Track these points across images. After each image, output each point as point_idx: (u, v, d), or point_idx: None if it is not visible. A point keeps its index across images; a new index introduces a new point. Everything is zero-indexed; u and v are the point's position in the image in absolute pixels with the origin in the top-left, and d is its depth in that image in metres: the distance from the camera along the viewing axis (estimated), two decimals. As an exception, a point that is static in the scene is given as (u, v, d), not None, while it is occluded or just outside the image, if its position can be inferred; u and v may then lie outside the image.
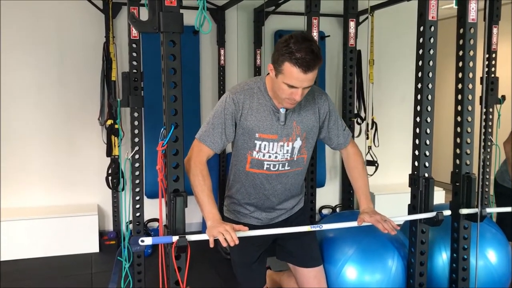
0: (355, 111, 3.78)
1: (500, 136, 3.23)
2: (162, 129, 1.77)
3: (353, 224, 2.02)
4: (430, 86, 2.08)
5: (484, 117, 3.44)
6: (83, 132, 4.60)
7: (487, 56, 3.44)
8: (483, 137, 3.36)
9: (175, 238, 1.71)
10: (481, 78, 3.08)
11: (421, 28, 2.06)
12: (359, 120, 4.24)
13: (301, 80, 1.74)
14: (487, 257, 2.30)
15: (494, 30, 3.51)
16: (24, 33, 4.32)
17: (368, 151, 4.22)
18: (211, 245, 1.73)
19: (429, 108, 2.09)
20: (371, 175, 3.65)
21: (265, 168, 1.97)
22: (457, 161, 2.20)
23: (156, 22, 1.70)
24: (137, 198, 2.80)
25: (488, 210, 2.14)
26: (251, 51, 5.01)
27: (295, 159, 1.99)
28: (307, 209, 2.26)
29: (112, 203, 4.70)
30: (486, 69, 3.44)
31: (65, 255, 4.27)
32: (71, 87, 4.54)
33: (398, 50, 5.24)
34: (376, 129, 4.26)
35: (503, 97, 3.58)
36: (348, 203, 5.25)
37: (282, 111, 1.91)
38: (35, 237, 4.20)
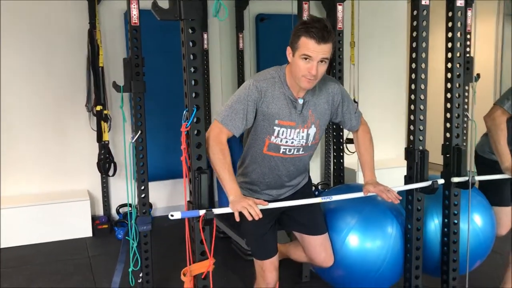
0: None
1: (477, 111, 3.45)
2: (185, 111, 1.88)
3: (360, 194, 2.19)
4: (423, 66, 2.26)
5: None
6: (71, 119, 4.63)
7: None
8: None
9: (201, 212, 1.84)
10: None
11: (415, 12, 2.23)
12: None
13: (316, 51, 1.90)
14: (474, 221, 2.52)
15: (469, 12, 3.72)
16: (8, 21, 4.30)
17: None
18: (237, 219, 1.87)
19: (422, 86, 2.28)
20: (353, 152, 3.83)
21: (281, 152, 2.12)
22: (448, 135, 2.39)
23: (177, 10, 1.80)
24: (142, 180, 2.90)
25: (477, 178, 2.35)
26: (233, 35, 5.11)
27: (309, 145, 2.16)
28: (310, 184, 2.41)
29: (101, 188, 4.77)
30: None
31: (60, 240, 4.34)
32: (56, 74, 4.55)
33: (376, 31, 5.44)
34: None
35: (478, 75, 3.81)
36: (329, 179, 5.47)
37: (300, 101, 2.06)
38: (29, 224, 4.25)
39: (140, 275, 2.97)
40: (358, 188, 2.29)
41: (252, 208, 1.85)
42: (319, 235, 2.33)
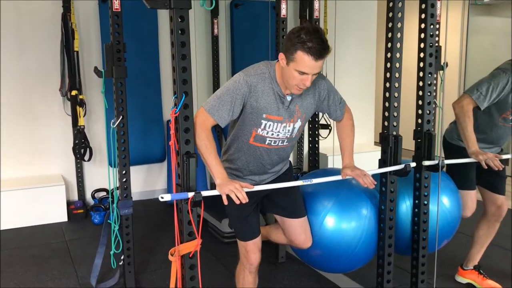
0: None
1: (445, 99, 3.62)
2: (174, 97, 1.94)
3: (338, 177, 2.31)
4: (398, 55, 2.38)
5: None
6: (44, 104, 4.61)
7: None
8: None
9: (190, 194, 1.92)
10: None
11: (391, 4, 2.34)
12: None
13: (312, 67, 1.96)
14: (442, 202, 2.68)
15: (438, 3, 3.86)
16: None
17: (322, 115, 4.54)
18: (225, 202, 1.95)
19: (397, 75, 2.40)
20: (325, 137, 3.96)
21: (266, 143, 2.22)
22: (419, 121, 2.53)
23: (166, -1, 1.85)
24: (124, 164, 2.94)
25: (446, 161, 2.51)
26: (208, 21, 5.15)
27: (293, 136, 2.26)
28: (291, 169, 2.52)
29: (76, 173, 4.76)
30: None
31: (35, 225, 4.34)
32: (30, 59, 4.50)
33: (348, 19, 5.56)
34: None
35: (446, 63, 3.98)
36: (301, 164, 5.60)
37: (289, 98, 2.14)
38: (3, 209, 4.23)
39: (122, 257, 3.03)
40: (336, 172, 2.41)
41: (239, 192, 1.93)
42: (299, 218, 2.44)
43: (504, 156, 2.68)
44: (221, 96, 2.07)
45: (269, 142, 2.22)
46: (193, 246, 2.00)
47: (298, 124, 2.23)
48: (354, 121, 2.43)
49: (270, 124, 2.16)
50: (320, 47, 1.93)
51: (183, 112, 1.93)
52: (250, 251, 2.33)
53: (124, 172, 2.96)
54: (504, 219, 3.02)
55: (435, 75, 3.95)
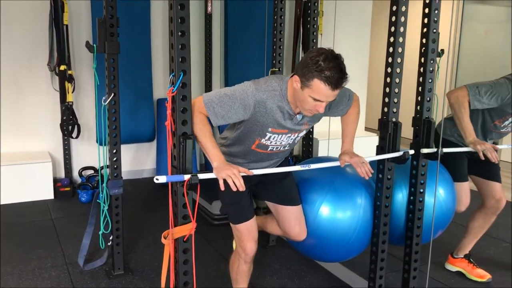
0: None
1: (438, 86, 3.59)
2: (171, 76, 1.87)
3: (336, 163, 2.27)
4: (401, 39, 2.32)
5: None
6: (31, 79, 4.49)
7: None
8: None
9: (186, 176, 1.86)
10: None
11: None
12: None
13: (328, 96, 1.90)
14: (438, 193, 2.65)
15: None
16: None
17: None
18: (222, 187, 1.89)
19: (399, 60, 2.34)
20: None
21: (269, 150, 2.18)
22: (419, 108, 2.49)
23: (166, -27, 1.76)
24: (114, 143, 2.87)
25: (445, 149, 2.48)
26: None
27: (295, 141, 2.24)
28: (288, 157, 2.47)
29: (63, 150, 4.67)
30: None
31: (21, 202, 4.26)
32: (16, 32, 4.36)
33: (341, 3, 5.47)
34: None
35: (442, 50, 3.94)
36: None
37: (299, 117, 2.09)
38: (-13, 185, 4.13)
39: (111, 238, 2.97)
40: (332, 159, 2.37)
41: (237, 178, 1.87)
42: (293, 206, 2.39)
43: (501, 147, 2.65)
44: (224, 96, 1.99)
45: (272, 148, 2.19)
46: (188, 229, 1.95)
47: (303, 133, 2.21)
48: (360, 108, 2.38)
49: (275, 136, 2.12)
50: (338, 77, 1.86)
51: (181, 91, 1.86)
52: (245, 240, 2.28)
53: (114, 151, 2.89)
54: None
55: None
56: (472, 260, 3.11)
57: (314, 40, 3.42)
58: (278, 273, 3.12)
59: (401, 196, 2.63)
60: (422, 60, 2.45)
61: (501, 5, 6.51)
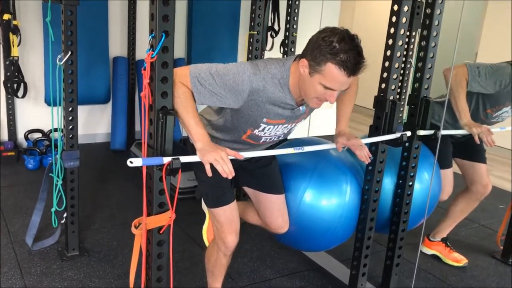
0: (269, 24, 3.63)
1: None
2: (150, 37, 1.54)
3: (332, 146, 2.03)
4: (406, 8, 2.08)
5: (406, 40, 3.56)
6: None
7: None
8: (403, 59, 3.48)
9: (166, 160, 1.57)
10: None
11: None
12: (273, 34, 4.07)
13: (342, 83, 1.61)
14: (424, 178, 2.48)
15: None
16: None
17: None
18: (209, 173, 1.60)
19: (402, 31, 2.10)
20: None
21: (261, 141, 1.91)
22: (416, 85, 2.28)
23: None
24: (70, 109, 2.50)
25: (443, 132, 2.29)
26: None
27: (290, 131, 1.96)
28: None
29: (6, 110, 4.19)
30: None
31: (-43, 168, 3.79)
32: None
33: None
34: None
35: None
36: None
37: (302, 109, 1.80)
38: None
39: (65, 215, 2.64)
40: (318, 142, 2.15)
41: (225, 164, 1.59)
42: (276, 194, 2.14)
43: (495, 130, 2.50)
44: (215, 74, 1.67)
45: (265, 140, 1.91)
46: (165, 219, 1.67)
47: (300, 123, 1.92)
48: (357, 88, 2.12)
49: (270, 127, 1.82)
50: (355, 61, 1.57)
51: (162, 56, 1.54)
52: (226, 232, 2.01)
53: (70, 117, 2.52)
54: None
55: (414, 33, 3.73)
56: (449, 244, 3.01)
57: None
58: (249, 254, 2.90)
59: (387, 181, 2.44)
60: (425, 33, 2.22)
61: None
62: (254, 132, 1.84)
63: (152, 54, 1.53)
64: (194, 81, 1.66)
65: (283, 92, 1.73)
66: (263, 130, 1.84)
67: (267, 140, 1.93)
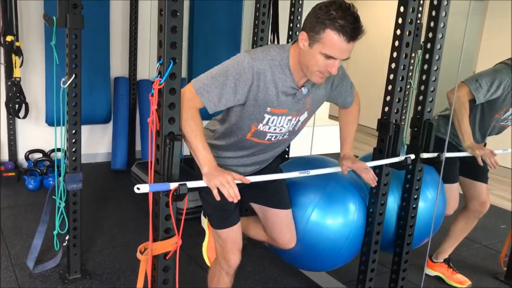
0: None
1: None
2: (158, 64, 1.56)
3: (338, 169, 2.04)
4: (408, 33, 2.10)
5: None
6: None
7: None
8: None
9: (173, 185, 1.57)
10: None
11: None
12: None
13: (342, 50, 1.61)
14: (428, 197, 2.48)
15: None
16: None
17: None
18: (217, 198, 1.61)
19: (405, 56, 2.12)
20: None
21: (266, 139, 1.88)
22: (419, 108, 2.29)
23: None
24: (74, 131, 2.50)
25: (447, 154, 2.29)
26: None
27: (295, 129, 1.93)
28: (279, 158, 2.18)
29: (8, 130, 4.19)
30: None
31: (-43, 189, 3.78)
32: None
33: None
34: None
35: (424, 42, 3.78)
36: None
37: (304, 91, 1.78)
38: None
39: (67, 238, 2.62)
40: (323, 161, 2.14)
41: (231, 188, 1.60)
42: (284, 209, 2.14)
43: (498, 151, 2.51)
44: (217, 76, 1.69)
45: (270, 137, 1.88)
46: (171, 245, 1.67)
47: (303, 116, 1.89)
48: (359, 107, 2.14)
49: (274, 119, 1.81)
50: (354, 26, 1.58)
51: (169, 83, 1.56)
52: (230, 252, 2.01)
53: (74, 140, 2.52)
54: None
55: (413, 54, 3.76)
56: (451, 265, 3.00)
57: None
58: (251, 277, 2.89)
59: (391, 201, 2.44)
60: (427, 56, 2.24)
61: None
62: (259, 127, 1.82)
63: (160, 80, 1.54)
64: (201, 91, 1.68)
65: (283, 74, 1.74)
66: (267, 123, 1.81)
67: (272, 139, 1.89)
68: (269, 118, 1.80)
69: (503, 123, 2.69)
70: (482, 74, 2.52)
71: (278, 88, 1.74)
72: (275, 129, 1.85)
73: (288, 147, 3.01)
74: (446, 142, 2.29)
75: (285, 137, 1.93)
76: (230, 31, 4.99)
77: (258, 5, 2.95)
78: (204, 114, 1.72)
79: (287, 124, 1.86)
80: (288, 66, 1.74)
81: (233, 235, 2.01)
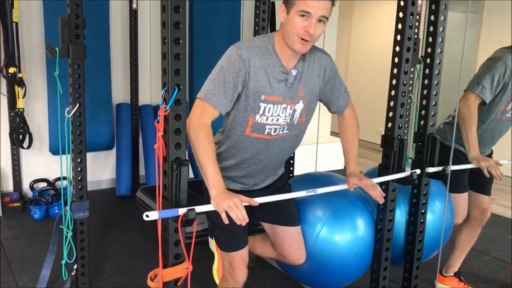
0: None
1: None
2: (163, 91, 1.58)
3: (344, 187, 2.04)
4: (408, 48, 2.13)
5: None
6: (-26, 81, 3.99)
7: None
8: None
9: (181, 211, 1.57)
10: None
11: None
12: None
13: (316, 7, 1.67)
14: (435, 210, 2.48)
15: (419, -8, 3.66)
16: None
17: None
18: (226, 221, 1.62)
19: (406, 70, 2.14)
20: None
21: (266, 133, 1.88)
22: (422, 122, 2.31)
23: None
24: (79, 160, 2.52)
25: (453, 167, 2.30)
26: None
27: (294, 122, 1.92)
28: (287, 174, 2.20)
29: (12, 161, 4.20)
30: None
31: (-37, 221, 3.77)
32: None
33: None
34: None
35: (423, 57, 3.81)
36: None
37: (294, 72, 1.82)
38: None
39: (75, 267, 2.61)
40: (330, 177, 2.14)
41: (239, 211, 1.61)
42: (293, 226, 2.14)
43: (503, 161, 2.51)
44: (214, 78, 1.75)
45: (269, 131, 1.88)
46: (181, 271, 1.67)
47: (299, 106, 1.90)
48: (358, 122, 2.15)
49: (270, 107, 1.83)
50: None
51: (175, 109, 1.58)
52: (237, 268, 2.02)
53: (79, 169, 2.54)
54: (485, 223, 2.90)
55: (412, 69, 3.79)
56: (462, 278, 2.98)
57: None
58: (261, 298, 2.87)
59: (399, 214, 2.44)
60: (427, 71, 2.27)
61: (457, 10, 6.54)
62: (256, 119, 1.84)
63: (166, 107, 1.56)
64: (207, 97, 1.72)
65: (271, 58, 1.80)
66: (263, 113, 1.83)
67: (272, 133, 1.89)
68: (265, 107, 1.82)
69: (509, 114, 2.66)
70: (480, 75, 2.52)
71: (268, 74, 1.79)
72: (272, 120, 1.86)
73: (293, 165, 3.01)
74: (451, 153, 2.29)
75: (285, 131, 1.92)
76: (230, 32, 4.99)
77: (258, 3, 2.95)
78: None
79: (282, 113, 1.86)
80: (274, 50, 1.81)
81: (241, 255, 2.02)
